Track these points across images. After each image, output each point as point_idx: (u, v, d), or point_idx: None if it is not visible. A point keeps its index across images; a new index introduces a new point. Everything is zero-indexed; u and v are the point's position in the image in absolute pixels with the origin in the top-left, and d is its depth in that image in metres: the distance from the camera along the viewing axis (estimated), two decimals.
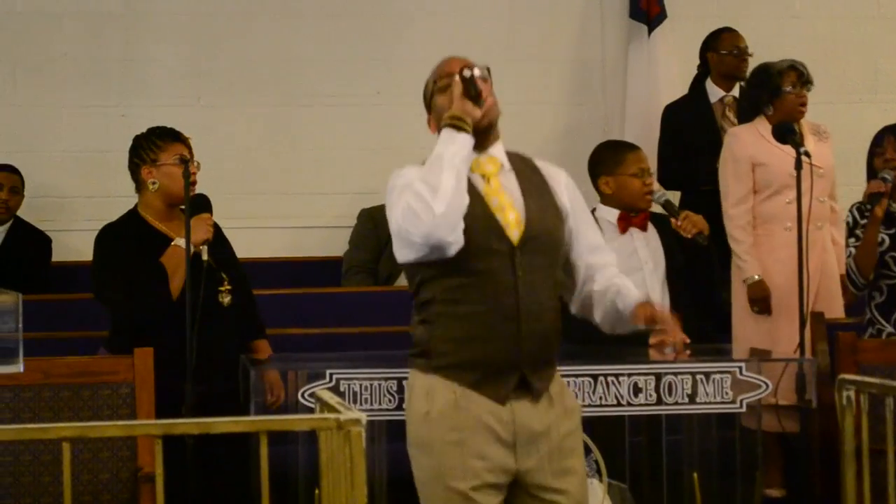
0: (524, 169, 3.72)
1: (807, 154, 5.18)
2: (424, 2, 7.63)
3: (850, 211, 5.49)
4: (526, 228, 3.61)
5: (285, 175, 7.51)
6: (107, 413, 4.44)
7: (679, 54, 7.47)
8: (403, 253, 3.56)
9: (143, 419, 4.34)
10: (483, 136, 3.63)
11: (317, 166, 7.53)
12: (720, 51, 6.90)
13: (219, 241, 4.99)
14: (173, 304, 4.74)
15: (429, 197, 3.46)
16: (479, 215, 3.57)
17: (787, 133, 5.40)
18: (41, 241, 6.97)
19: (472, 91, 3.56)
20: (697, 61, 7.00)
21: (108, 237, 4.95)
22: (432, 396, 3.59)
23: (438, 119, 3.64)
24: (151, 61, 7.44)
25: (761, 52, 6.82)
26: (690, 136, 6.85)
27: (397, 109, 7.21)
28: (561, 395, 3.68)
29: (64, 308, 6.20)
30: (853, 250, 5.38)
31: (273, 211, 7.49)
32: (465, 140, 3.56)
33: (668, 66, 7.54)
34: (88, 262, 7.09)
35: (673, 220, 5.34)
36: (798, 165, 5.14)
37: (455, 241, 3.50)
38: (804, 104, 5.89)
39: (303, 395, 4.28)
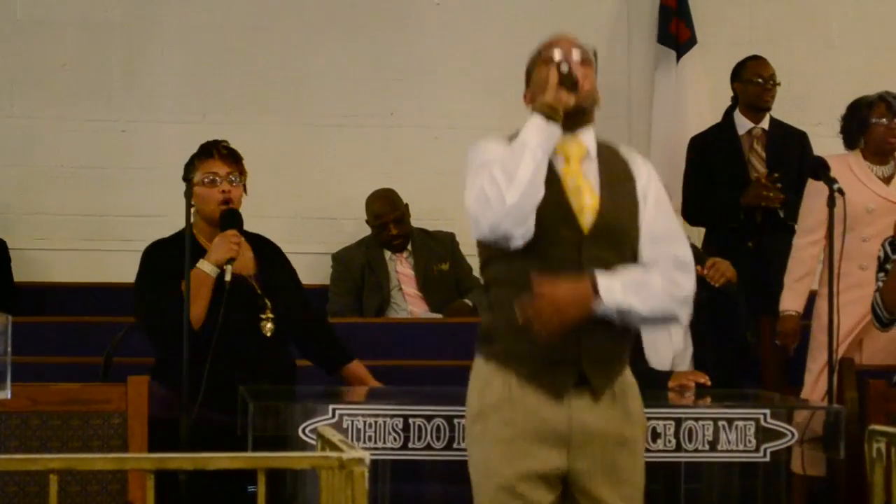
0: (610, 158, 3.75)
1: (840, 191, 5.17)
2: (443, 20, 7.60)
3: (883, 245, 5.46)
4: (599, 216, 3.63)
5: (293, 198, 7.51)
6: (97, 444, 4.43)
7: (709, 82, 7.48)
8: (474, 230, 3.59)
9: (134, 451, 4.32)
10: (573, 118, 3.66)
11: (326, 189, 7.54)
12: (744, 79, 6.89)
13: (271, 262, 5.02)
14: (196, 333, 4.64)
15: (503, 185, 3.50)
16: (551, 199, 3.59)
17: (818, 168, 5.38)
18: None
19: (569, 82, 3.64)
20: (728, 90, 6.99)
21: (148, 255, 4.97)
22: (487, 388, 3.64)
23: (534, 93, 3.71)
24: (155, 75, 7.47)
25: (796, 82, 6.81)
26: (716, 170, 6.83)
27: (412, 131, 7.22)
28: (624, 396, 3.68)
29: (56, 331, 6.18)
30: (881, 284, 5.35)
31: (279, 236, 7.46)
32: (554, 131, 3.60)
33: (696, 95, 7.54)
34: (84, 284, 7.14)
35: (699, 267, 5.32)
36: (830, 203, 5.13)
37: (523, 234, 3.54)
38: (895, 136, 5.89)
39: (303, 431, 4.26)
